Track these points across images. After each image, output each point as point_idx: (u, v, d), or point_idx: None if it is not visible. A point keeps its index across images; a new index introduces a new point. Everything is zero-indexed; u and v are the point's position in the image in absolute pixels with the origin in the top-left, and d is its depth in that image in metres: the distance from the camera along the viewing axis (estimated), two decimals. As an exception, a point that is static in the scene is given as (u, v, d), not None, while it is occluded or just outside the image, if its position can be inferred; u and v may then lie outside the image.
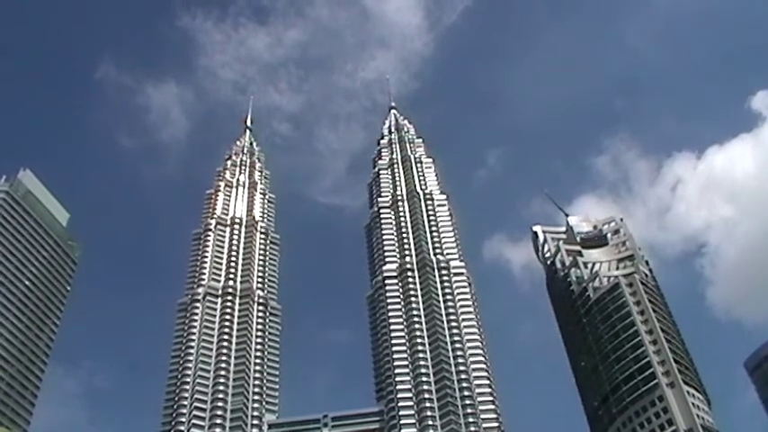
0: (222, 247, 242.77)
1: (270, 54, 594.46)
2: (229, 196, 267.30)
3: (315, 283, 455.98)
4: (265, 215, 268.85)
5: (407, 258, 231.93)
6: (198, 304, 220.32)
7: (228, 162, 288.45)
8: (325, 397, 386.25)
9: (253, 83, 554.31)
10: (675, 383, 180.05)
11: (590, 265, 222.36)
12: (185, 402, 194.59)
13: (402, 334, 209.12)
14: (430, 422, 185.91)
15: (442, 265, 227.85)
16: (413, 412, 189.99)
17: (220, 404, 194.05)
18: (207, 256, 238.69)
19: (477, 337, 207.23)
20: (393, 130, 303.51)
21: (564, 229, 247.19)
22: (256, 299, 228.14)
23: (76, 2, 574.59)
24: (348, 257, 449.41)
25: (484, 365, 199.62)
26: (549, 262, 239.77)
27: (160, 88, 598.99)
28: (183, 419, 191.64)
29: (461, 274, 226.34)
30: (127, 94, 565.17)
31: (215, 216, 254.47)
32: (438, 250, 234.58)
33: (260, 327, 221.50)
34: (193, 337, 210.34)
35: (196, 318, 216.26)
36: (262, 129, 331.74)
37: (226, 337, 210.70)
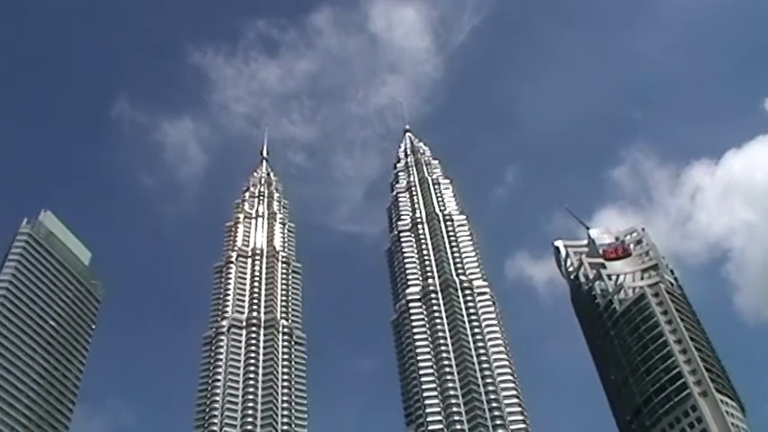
0: (244, 279, 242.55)
1: (281, 86, 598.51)
2: (249, 227, 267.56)
3: (338, 310, 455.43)
4: (286, 244, 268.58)
5: (430, 280, 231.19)
6: (223, 337, 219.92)
7: (246, 194, 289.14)
8: (354, 424, 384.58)
9: (266, 115, 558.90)
10: (708, 392, 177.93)
11: (614, 278, 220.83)
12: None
13: (429, 357, 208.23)
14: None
15: (466, 285, 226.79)
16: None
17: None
18: (229, 289, 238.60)
19: (505, 355, 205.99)
20: (409, 152, 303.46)
21: (586, 242, 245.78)
22: (281, 329, 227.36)
23: (89, 42, 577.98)
24: (370, 283, 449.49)
25: (512, 384, 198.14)
26: (572, 276, 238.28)
27: (176, 125, 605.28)
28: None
29: (485, 293, 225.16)
30: (143, 132, 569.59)
31: (236, 248, 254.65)
32: (460, 271, 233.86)
33: (286, 357, 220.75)
34: (219, 370, 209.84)
35: (221, 350, 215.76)
36: (277, 160, 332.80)
37: (252, 368, 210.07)
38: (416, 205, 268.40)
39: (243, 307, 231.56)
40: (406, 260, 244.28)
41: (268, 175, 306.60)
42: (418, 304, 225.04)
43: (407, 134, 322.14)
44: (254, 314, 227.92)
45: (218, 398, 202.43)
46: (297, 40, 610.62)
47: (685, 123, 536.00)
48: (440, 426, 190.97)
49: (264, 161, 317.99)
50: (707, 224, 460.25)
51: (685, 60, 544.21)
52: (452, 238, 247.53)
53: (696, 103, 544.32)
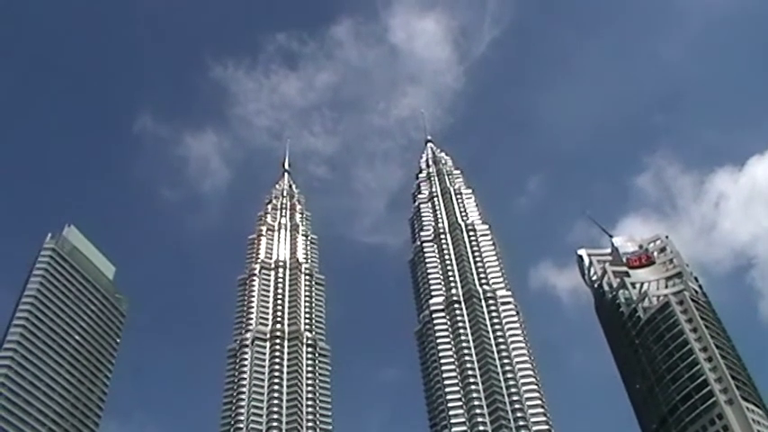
0: (268, 291, 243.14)
1: (302, 98, 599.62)
2: (272, 240, 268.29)
3: (362, 321, 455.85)
4: (309, 256, 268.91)
5: (453, 291, 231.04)
6: (247, 349, 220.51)
7: (269, 206, 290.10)
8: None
9: (287, 128, 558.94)
10: (734, 400, 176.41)
11: (638, 286, 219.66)
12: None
13: (453, 366, 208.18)
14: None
15: (489, 295, 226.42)
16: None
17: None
18: (253, 301, 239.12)
19: (529, 365, 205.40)
20: (431, 163, 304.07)
21: (609, 250, 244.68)
22: (305, 341, 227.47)
23: (110, 57, 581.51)
24: (393, 294, 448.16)
25: (537, 393, 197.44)
26: (596, 285, 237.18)
27: (198, 138, 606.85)
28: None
29: (509, 303, 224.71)
30: (165, 146, 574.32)
31: (259, 260, 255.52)
32: (484, 280, 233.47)
33: (310, 369, 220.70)
34: (244, 383, 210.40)
35: (246, 363, 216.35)
36: (299, 173, 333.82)
37: (276, 380, 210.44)
38: (439, 215, 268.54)
39: (267, 319, 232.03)
40: (429, 270, 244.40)
41: (290, 187, 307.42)
42: (442, 314, 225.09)
43: (429, 144, 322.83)
44: (278, 326, 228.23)
45: (242, 410, 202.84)
46: (317, 53, 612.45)
47: (708, 129, 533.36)
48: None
49: (286, 173, 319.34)
50: (731, 232, 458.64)
51: (708, 66, 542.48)
52: (475, 248, 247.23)
53: (719, 108, 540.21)
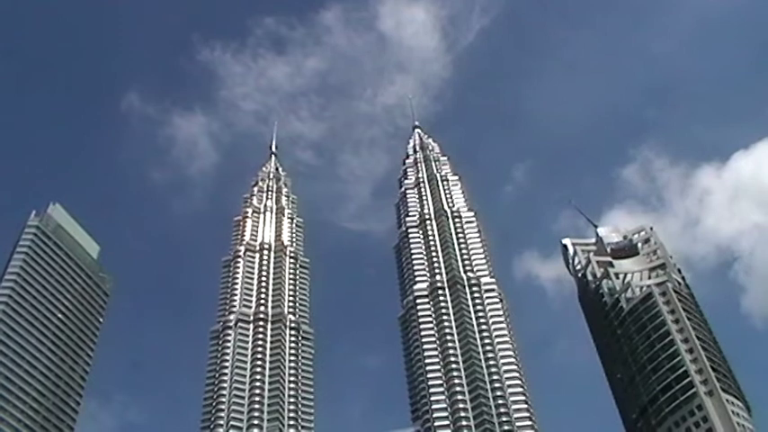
0: (252, 273, 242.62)
1: (290, 83, 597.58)
2: (257, 222, 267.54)
3: (346, 306, 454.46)
4: (294, 239, 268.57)
5: (438, 277, 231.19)
6: (230, 331, 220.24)
7: (255, 188, 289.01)
8: (360, 420, 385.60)
9: (274, 112, 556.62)
10: (714, 392, 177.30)
11: (621, 276, 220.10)
12: (221, 430, 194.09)
13: (435, 353, 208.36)
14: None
15: (473, 282, 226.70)
16: (449, 431, 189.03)
17: (255, 430, 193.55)
18: (237, 283, 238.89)
19: (512, 352, 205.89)
20: (418, 149, 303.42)
21: (594, 240, 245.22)
22: (288, 323, 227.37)
23: (99, 37, 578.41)
24: (378, 280, 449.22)
25: (519, 381, 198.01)
26: (580, 274, 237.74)
27: (187, 118, 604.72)
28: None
29: (493, 290, 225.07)
30: (152, 126, 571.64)
31: (244, 242, 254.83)
32: (468, 267, 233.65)
33: (293, 351, 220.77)
34: (227, 364, 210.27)
35: (229, 345, 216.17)
36: (285, 157, 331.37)
37: (259, 362, 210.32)
38: (425, 201, 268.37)
39: (250, 301, 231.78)
40: (413, 256, 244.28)
41: (277, 170, 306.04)
42: (425, 300, 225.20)
43: (416, 130, 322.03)
44: (262, 308, 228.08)
45: (224, 392, 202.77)
46: (305, 38, 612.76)
47: (696, 124, 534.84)
48: (446, 422, 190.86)
49: (273, 156, 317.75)
50: (715, 227, 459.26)
51: (697, 60, 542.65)
52: (460, 235, 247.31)
53: (707, 103, 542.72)
